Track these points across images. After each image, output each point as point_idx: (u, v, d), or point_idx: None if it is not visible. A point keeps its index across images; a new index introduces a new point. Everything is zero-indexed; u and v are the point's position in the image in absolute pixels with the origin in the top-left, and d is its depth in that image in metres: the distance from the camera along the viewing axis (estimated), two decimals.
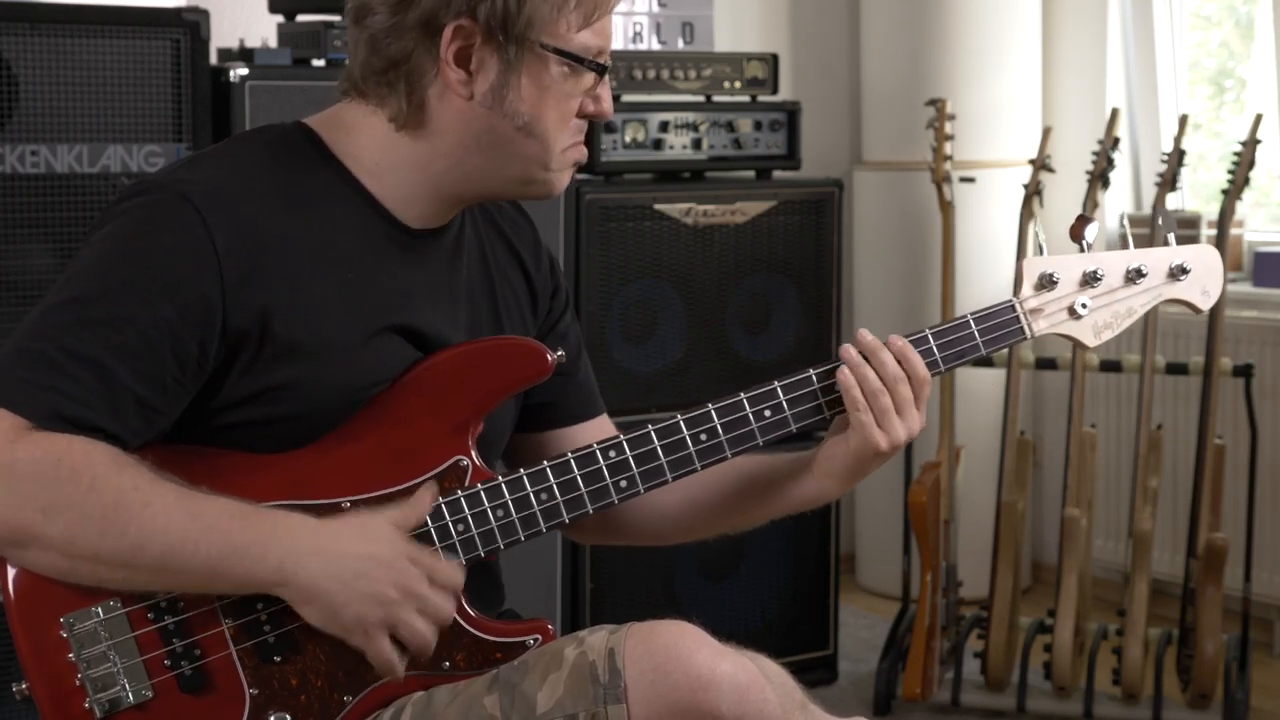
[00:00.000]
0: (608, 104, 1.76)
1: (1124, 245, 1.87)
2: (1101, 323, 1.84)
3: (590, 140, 3.18)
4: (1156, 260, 1.85)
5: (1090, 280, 1.83)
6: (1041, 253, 1.84)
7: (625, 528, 1.93)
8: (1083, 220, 1.83)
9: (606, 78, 1.75)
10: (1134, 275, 1.84)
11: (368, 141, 1.73)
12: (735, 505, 1.89)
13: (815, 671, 3.71)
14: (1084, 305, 1.84)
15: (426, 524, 1.68)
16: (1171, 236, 1.86)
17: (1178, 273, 1.86)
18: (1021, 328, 1.83)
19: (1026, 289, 1.83)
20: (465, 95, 1.69)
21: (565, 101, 1.72)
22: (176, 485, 1.59)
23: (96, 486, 1.55)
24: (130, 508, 1.55)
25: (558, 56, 1.69)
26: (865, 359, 1.77)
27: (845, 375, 1.77)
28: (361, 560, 1.60)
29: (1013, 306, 1.83)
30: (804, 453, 1.85)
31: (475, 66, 1.68)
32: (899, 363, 1.77)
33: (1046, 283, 1.83)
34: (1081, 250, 1.83)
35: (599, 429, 1.94)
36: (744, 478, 1.88)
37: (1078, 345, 1.86)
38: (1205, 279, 1.87)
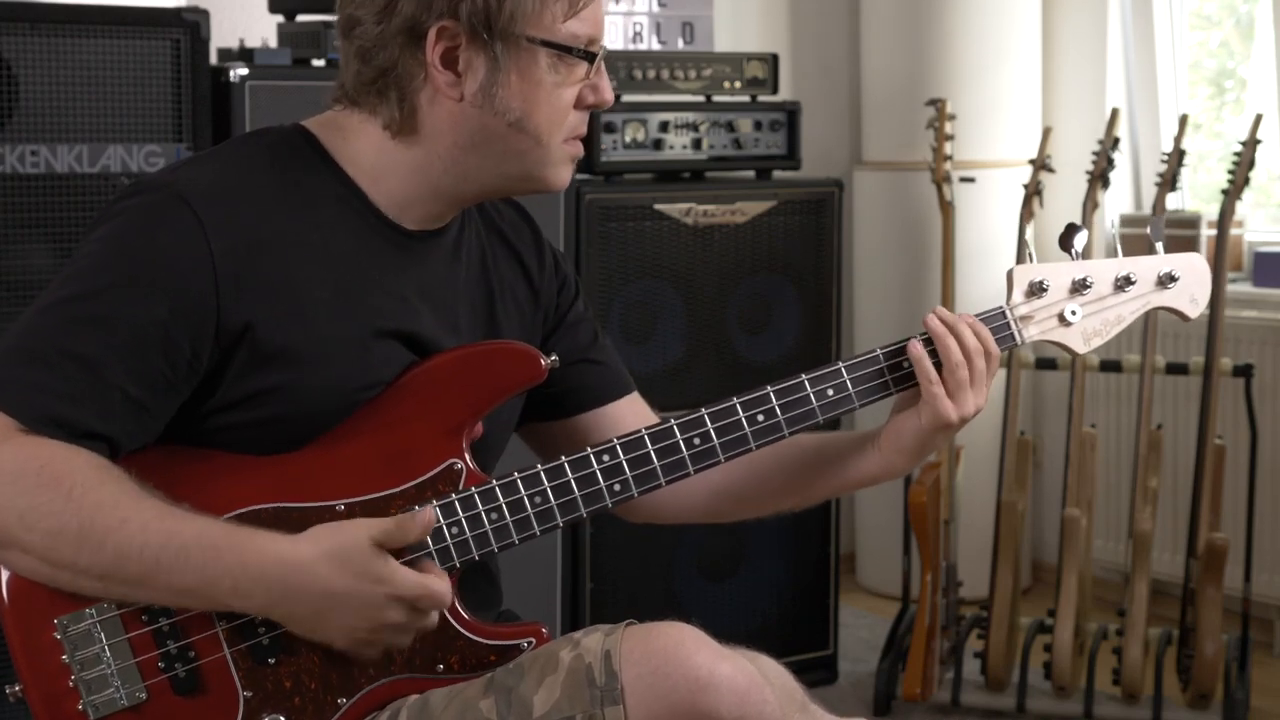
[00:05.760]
0: (607, 92, 1.74)
1: (1119, 248, 1.87)
2: (1091, 330, 1.84)
3: (590, 140, 3.20)
4: (1145, 268, 1.85)
5: (1079, 288, 1.83)
6: (1032, 260, 1.84)
7: (673, 507, 1.91)
8: (1072, 229, 1.84)
9: (602, 64, 1.73)
10: (1123, 283, 1.85)
11: (364, 147, 1.73)
12: (792, 484, 1.88)
13: (815, 671, 3.71)
14: (1073, 312, 1.84)
15: (428, 545, 1.67)
16: (1160, 245, 1.86)
17: (1166, 280, 1.86)
18: (1012, 334, 1.83)
19: (1017, 296, 1.83)
20: (455, 97, 1.69)
21: (558, 94, 1.70)
22: (156, 502, 1.57)
23: (74, 497, 1.54)
24: (107, 523, 1.54)
25: (546, 49, 1.68)
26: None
27: (917, 347, 1.77)
28: (333, 598, 1.58)
29: (1003, 313, 1.83)
30: (866, 431, 1.85)
31: (463, 67, 1.68)
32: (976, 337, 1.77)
33: (1036, 290, 1.83)
34: (1071, 258, 1.84)
35: (631, 407, 1.93)
36: (802, 455, 1.87)
37: (1067, 352, 1.86)
38: (1193, 286, 1.87)
